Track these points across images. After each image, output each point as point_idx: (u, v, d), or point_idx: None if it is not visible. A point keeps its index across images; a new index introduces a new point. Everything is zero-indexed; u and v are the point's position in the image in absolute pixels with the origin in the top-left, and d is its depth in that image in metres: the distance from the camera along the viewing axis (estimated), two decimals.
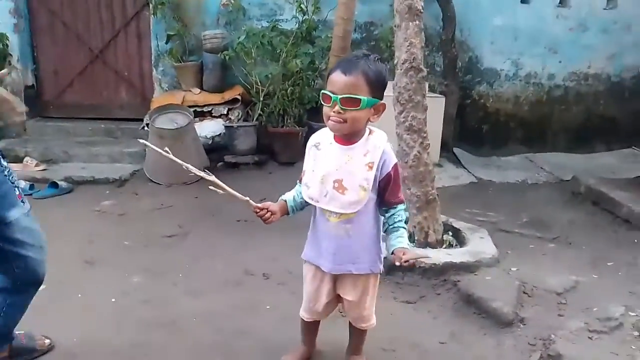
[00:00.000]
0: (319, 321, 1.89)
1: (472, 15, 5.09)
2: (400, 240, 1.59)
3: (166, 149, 1.62)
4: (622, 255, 2.97)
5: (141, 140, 1.71)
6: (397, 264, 1.54)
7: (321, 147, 1.64)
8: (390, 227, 1.62)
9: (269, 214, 1.66)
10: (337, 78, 1.49)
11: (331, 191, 1.58)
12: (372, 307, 1.77)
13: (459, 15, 4.89)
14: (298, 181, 1.72)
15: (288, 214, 1.72)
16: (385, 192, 1.59)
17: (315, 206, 1.66)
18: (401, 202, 1.63)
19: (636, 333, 2.11)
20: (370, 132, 1.59)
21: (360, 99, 1.47)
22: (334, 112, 1.50)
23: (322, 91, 1.53)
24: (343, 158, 1.58)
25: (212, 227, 3.37)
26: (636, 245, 3.11)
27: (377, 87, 1.51)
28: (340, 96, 1.47)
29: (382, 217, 1.64)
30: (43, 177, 4.14)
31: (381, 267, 1.70)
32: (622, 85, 5.53)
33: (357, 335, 1.87)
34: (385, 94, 1.58)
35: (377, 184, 1.57)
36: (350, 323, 1.86)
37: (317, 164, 1.63)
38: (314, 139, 1.67)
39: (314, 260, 1.73)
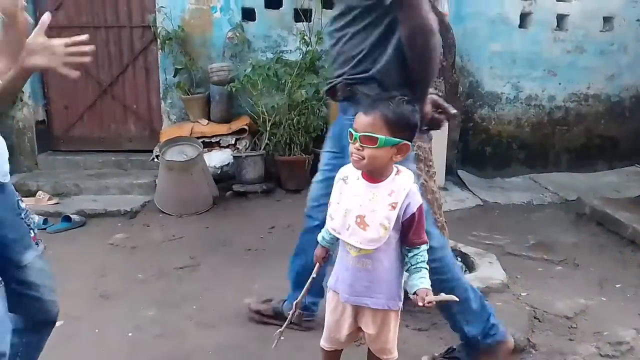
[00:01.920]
0: (341, 351, 1.90)
1: (471, 42, 5.21)
2: (423, 281, 1.60)
3: None
4: (629, 276, 3.00)
5: None
6: (420, 304, 1.56)
7: (348, 181, 1.68)
8: (413, 267, 1.63)
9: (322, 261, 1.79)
10: (359, 117, 1.58)
11: (353, 226, 1.62)
12: (394, 342, 1.78)
13: (458, 42, 4.99)
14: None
15: (328, 251, 1.82)
16: (409, 232, 1.61)
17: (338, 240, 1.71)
18: (424, 242, 1.64)
19: None
20: (397, 172, 1.63)
21: (377, 138, 1.53)
22: (355, 148, 1.57)
23: (349, 129, 1.61)
24: (368, 195, 1.62)
25: (223, 257, 3.42)
26: None
27: (397, 127, 1.56)
28: (359, 134, 1.55)
29: (405, 257, 1.66)
30: (56, 210, 4.22)
31: (400, 304, 1.72)
32: (622, 105, 5.61)
33: None
34: None
35: (401, 224, 1.60)
36: (369, 351, 1.87)
37: (342, 197, 1.67)
38: (342, 172, 1.72)
39: (333, 286, 1.77)
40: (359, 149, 1.56)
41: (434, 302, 1.56)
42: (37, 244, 1.75)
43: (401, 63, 1.86)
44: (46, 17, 1.53)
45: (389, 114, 1.55)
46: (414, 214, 1.59)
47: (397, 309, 1.71)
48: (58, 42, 1.53)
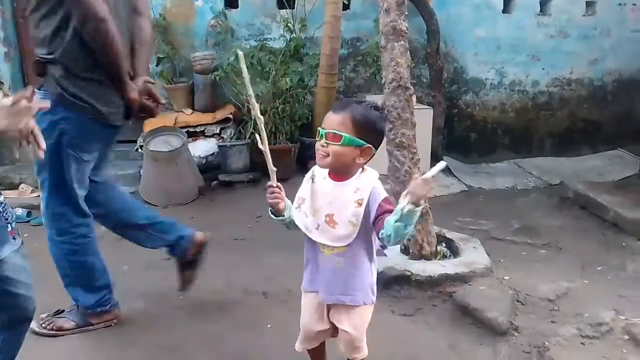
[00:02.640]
0: (323, 347, 1.92)
1: (455, 27, 5.22)
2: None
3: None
4: (611, 259, 3.06)
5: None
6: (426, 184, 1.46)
7: (316, 180, 1.71)
8: (387, 221, 1.56)
9: (279, 197, 1.66)
10: (328, 116, 1.62)
11: (323, 224, 1.65)
12: (364, 338, 1.80)
13: (442, 28, 5.01)
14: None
15: (283, 214, 1.71)
16: (375, 225, 1.62)
17: (308, 238, 1.72)
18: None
19: (626, 337, 2.19)
20: (362, 171, 1.67)
21: (342, 135, 1.56)
22: (320, 145, 1.61)
23: (318, 128, 1.63)
24: (334, 193, 1.65)
25: (210, 247, 3.39)
26: (624, 249, 3.20)
27: (363, 129, 1.59)
28: (326, 131, 1.59)
29: (384, 241, 1.63)
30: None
31: (373, 298, 1.76)
32: (605, 89, 5.67)
33: None
34: None
35: (369, 220, 1.62)
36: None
37: (311, 196, 1.70)
38: (311, 172, 1.74)
39: (308, 288, 1.79)
40: (323, 146, 1.59)
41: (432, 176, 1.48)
42: (14, 238, 1.72)
43: (85, 48, 2.05)
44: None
45: (357, 115, 1.58)
46: (380, 205, 1.60)
47: (370, 303, 1.75)
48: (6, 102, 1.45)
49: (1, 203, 1.68)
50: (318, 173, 1.71)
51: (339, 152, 1.58)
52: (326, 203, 1.66)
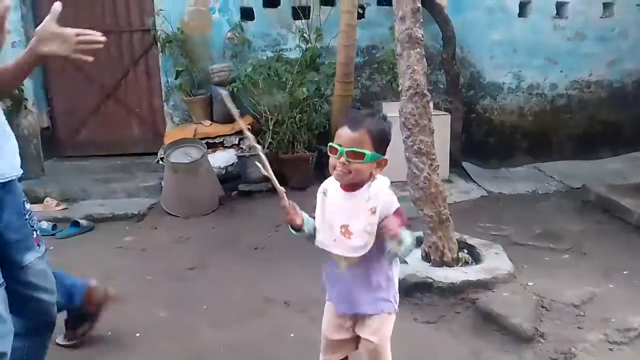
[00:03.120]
0: (346, 358, 1.90)
1: (471, 32, 5.21)
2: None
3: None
4: (636, 263, 3.00)
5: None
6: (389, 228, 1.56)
7: (328, 194, 1.72)
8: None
9: (293, 215, 1.68)
10: (344, 133, 1.61)
11: (339, 236, 1.66)
12: (388, 348, 1.79)
13: (458, 33, 5.00)
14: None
15: (301, 228, 1.73)
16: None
17: (326, 253, 1.73)
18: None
19: None
20: (373, 179, 1.68)
21: (364, 153, 1.59)
22: (340, 162, 1.61)
23: (330, 144, 1.64)
24: (348, 205, 1.67)
25: (230, 257, 3.45)
26: None
27: (380, 143, 1.63)
28: (346, 149, 1.59)
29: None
30: (64, 216, 4.26)
31: (396, 306, 1.76)
32: (624, 91, 5.59)
33: None
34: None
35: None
36: None
37: (325, 210, 1.72)
38: (322, 186, 1.77)
39: (330, 300, 1.81)
40: (345, 164, 1.60)
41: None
42: (38, 245, 1.78)
43: None
44: (57, 6, 1.56)
45: (374, 130, 1.61)
46: (392, 214, 1.63)
47: (392, 312, 1.75)
48: (69, 30, 1.57)
49: (28, 210, 1.74)
50: (330, 186, 1.73)
51: (361, 168, 1.61)
52: (340, 215, 1.67)
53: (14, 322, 1.80)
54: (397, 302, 1.77)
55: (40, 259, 1.78)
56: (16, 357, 1.81)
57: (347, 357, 1.89)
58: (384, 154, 1.65)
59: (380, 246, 1.67)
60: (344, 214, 1.67)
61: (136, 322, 2.63)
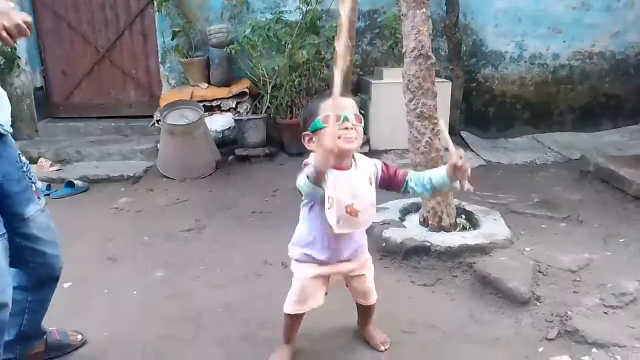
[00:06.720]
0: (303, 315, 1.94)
1: None
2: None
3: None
4: (633, 231, 3.01)
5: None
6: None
7: (330, 173, 1.62)
8: (421, 179, 1.74)
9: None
10: (338, 100, 1.50)
11: (344, 216, 1.64)
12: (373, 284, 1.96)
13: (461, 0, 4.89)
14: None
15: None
16: (392, 182, 1.77)
17: (309, 212, 1.77)
18: (406, 172, 1.78)
19: None
20: (354, 155, 1.73)
21: (361, 116, 1.68)
22: (345, 128, 1.59)
23: (325, 115, 1.59)
24: (350, 181, 1.66)
25: (228, 220, 3.43)
26: None
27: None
28: (348, 114, 1.62)
29: (407, 192, 1.78)
30: (58, 177, 4.22)
31: None
32: (627, 63, 5.53)
33: (367, 310, 2.02)
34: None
35: (381, 186, 1.77)
36: (358, 305, 2.02)
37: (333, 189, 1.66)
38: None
39: (312, 259, 1.81)
40: (350, 128, 1.61)
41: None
42: (39, 197, 1.76)
43: None
44: None
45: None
46: (383, 171, 1.75)
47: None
48: (19, 14, 1.47)
49: (24, 163, 1.72)
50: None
51: (361, 132, 1.67)
52: (345, 194, 1.63)
53: (18, 276, 1.80)
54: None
55: (41, 212, 1.77)
56: (18, 309, 1.81)
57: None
58: None
59: None
60: (348, 193, 1.63)
61: (133, 281, 2.63)
